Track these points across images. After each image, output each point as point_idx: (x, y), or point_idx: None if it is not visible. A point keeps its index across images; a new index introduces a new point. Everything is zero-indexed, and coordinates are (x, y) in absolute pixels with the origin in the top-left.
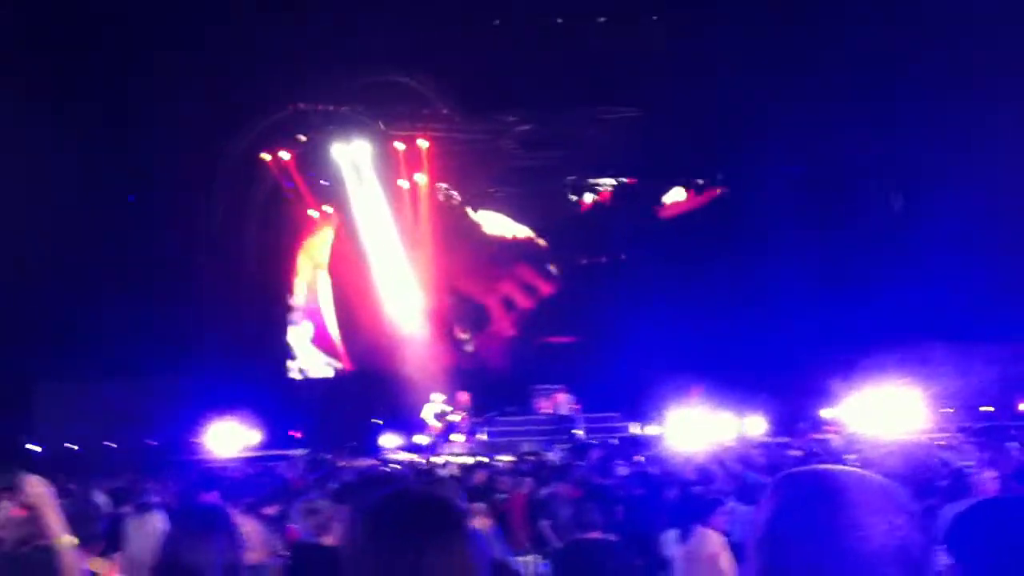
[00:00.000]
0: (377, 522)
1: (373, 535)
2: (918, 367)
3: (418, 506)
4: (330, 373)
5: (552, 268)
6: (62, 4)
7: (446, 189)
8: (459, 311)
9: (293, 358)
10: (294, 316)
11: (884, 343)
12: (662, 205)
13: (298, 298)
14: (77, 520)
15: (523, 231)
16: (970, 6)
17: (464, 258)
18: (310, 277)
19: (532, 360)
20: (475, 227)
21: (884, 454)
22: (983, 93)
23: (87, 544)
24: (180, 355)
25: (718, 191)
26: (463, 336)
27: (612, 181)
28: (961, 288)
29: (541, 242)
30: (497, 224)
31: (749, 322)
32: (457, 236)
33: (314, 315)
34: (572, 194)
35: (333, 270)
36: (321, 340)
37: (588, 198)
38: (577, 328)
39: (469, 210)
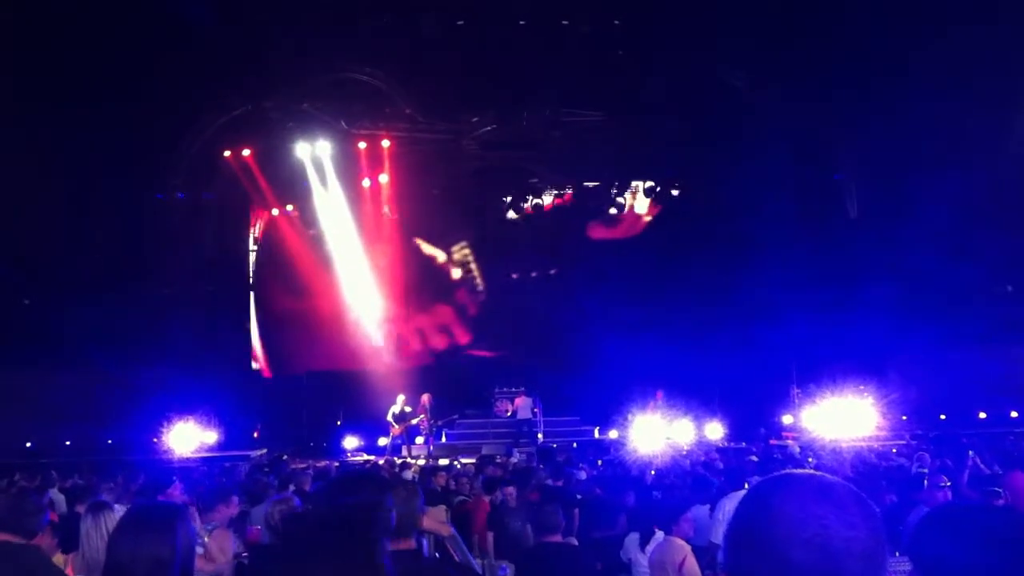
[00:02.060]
0: (288, 538)
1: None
2: (875, 375)
3: (325, 525)
4: (297, 341)
5: (479, 285)
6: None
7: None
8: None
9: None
10: (263, 281)
11: (842, 351)
12: (619, 215)
13: (266, 264)
14: (10, 515)
15: (465, 270)
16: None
17: (411, 284)
18: (279, 241)
19: (493, 363)
20: (424, 258)
21: (840, 459)
22: (959, 97)
23: (21, 538)
24: (138, 348)
25: (674, 192)
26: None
27: (573, 185)
28: (921, 295)
29: (479, 285)
30: (443, 257)
31: (710, 328)
32: (407, 263)
33: (283, 280)
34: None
35: (300, 238)
36: (288, 305)
37: (547, 199)
38: (536, 332)
39: (421, 243)
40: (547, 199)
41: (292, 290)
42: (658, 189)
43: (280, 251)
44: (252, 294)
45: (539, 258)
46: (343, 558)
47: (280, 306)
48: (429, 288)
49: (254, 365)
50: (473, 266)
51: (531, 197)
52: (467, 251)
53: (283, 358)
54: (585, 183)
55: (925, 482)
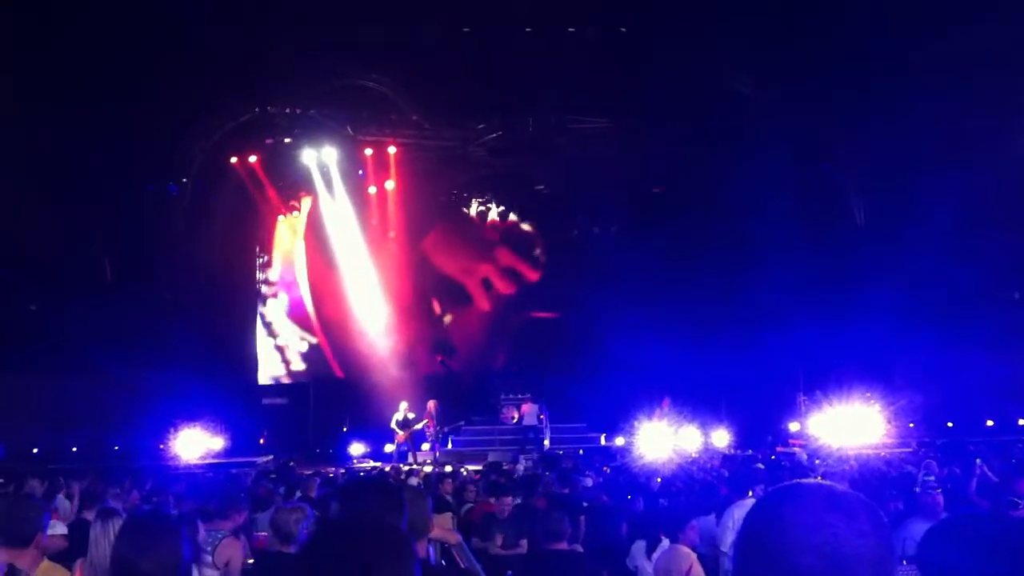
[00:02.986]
0: (323, 547)
1: (322, 560)
2: (882, 381)
3: (365, 532)
4: (304, 348)
5: (538, 253)
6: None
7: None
8: (438, 288)
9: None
10: (270, 289)
11: (849, 357)
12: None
13: (274, 271)
14: (3, 521)
15: (509, 216)
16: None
17: (446, 237)
18: (288, 247)
19: (499, 369)
20: (459, 212)
21: (847, 467)
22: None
23: (12, 545)
24: (145, 352)
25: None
26: (440, 312)
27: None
28: (928, 301)
29: (526, 227)
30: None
31: (716, 334)
32: (440, 219)
33: (290, 287)
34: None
35: (309, 244)
36: (296, 312)
37: None
38: (542, 339)
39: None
40: None
41: (299, 296)
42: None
43: (287, 256)
44: (259, 300)
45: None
46: (380, 568)
47: (288, 312)
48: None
49: (260, 372)
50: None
51: None
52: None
53: (291, 310)
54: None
55: (917, 489)
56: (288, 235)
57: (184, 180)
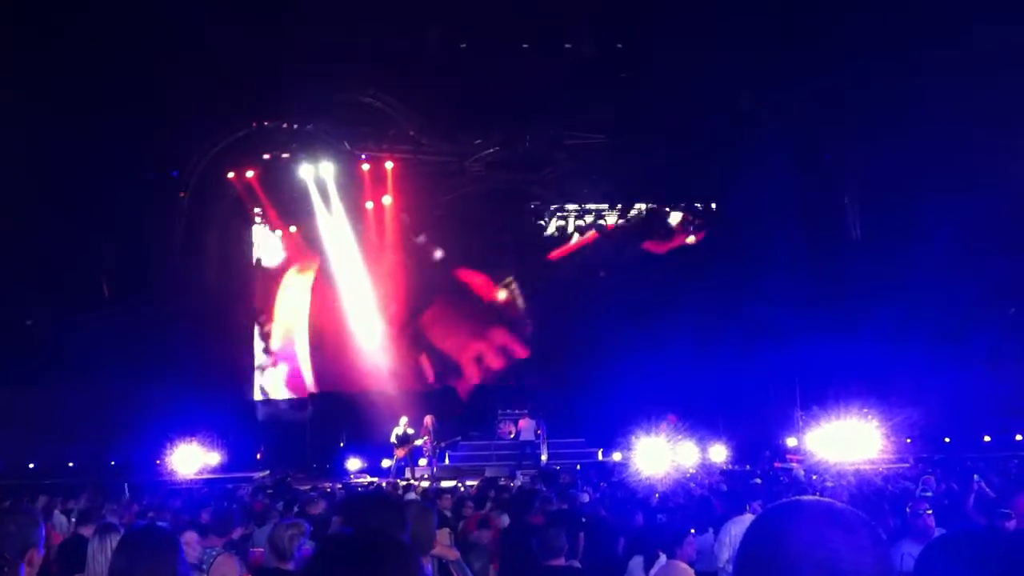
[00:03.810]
0: (330, 560)
1: (329, 573)
2: (879, 396)
3: (373, 545)
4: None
5: (530, 332)
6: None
7: (424, 242)
8: (432, 362)
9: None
10: (269, 359)
11: (846, 372)
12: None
13: (275, 342)
14: None
15: (503, 293)
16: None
17: (444, 312)
18: (288, 323)
19: (497, 386)
20: (459, 285)
21: (844, 482)
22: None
23: None
24: (142, 366)
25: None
26: (433, 382)
27: (576, 207)
28: (925, 316)
29: (520, 304)
30: (479, 284)
31: (713, 349)
32: (439, 291)
33: (290, 359)
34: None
35: (313, 314)
36: (294, 383)
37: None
38: (541, 349)
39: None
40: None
41: (296, 311)
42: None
43: (283, 272)
44: (256, 314)
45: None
46: None
47: (284, 327)
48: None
49: (256, 388)
50: (517, 296)
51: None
52: (511, 280)
53: (289, 379)
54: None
55: (908, 509)
56: (283, 250)
57: (182, 194)
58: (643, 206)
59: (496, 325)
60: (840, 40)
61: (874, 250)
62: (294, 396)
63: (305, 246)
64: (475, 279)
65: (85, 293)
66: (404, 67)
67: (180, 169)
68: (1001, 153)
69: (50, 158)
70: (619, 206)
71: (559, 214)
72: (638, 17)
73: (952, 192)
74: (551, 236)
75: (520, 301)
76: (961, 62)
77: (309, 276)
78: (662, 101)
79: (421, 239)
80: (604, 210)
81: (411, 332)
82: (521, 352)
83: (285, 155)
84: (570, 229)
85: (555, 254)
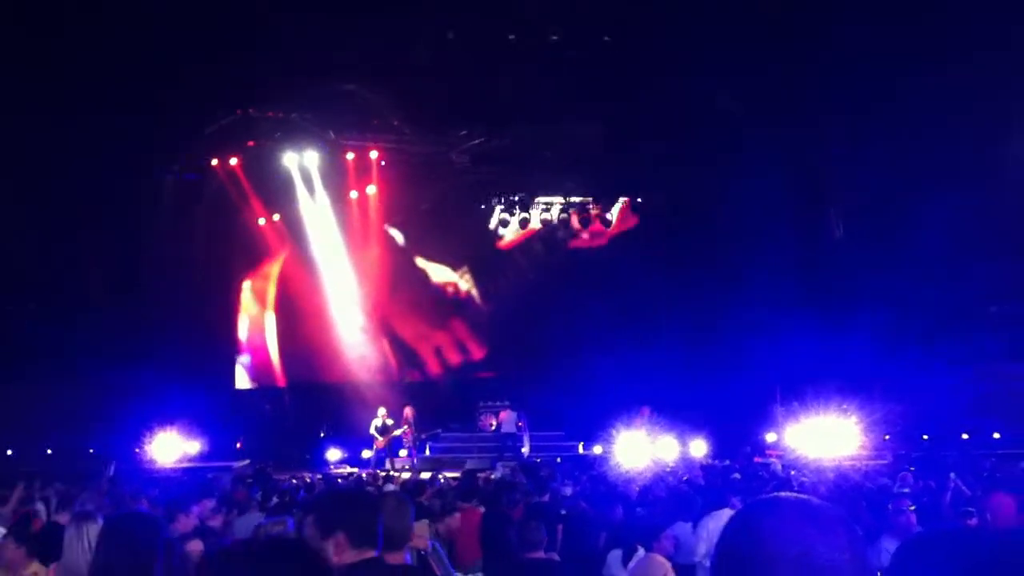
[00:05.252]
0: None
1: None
2: (859, 394)
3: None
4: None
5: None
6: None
7: (397, 231)
8: (393, 350)
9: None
10: (239, 349)
11: (827, 370)
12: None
13: (241, 332)
14: None
15: (465, 285)
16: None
17: (405, 300)
18: (254, 312)
19: (477, 377)
20: (420, 273)
21: (822, 478)
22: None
23: None
24: (121, 355)
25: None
26: (399, 377)
27: (561, 199)
28: (906, 315)
29: (479, 302)
30: (441, 274)
31: (695, 345)
32: (402, 279)
33: (257, 351)
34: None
35: (279, 303)
36: (260, 374)
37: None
38: (521, 347)
39: (418, 259)
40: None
41: (279, 300)
42: (639, 200)
43: (267, 262)
44: (238, 303)
45: (526, 272)
46: None
47: (267, 316)
48: (423, 303)
49: (238, 377)
50: (472, 285)
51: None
52: (466, 270)
53: (268, 369)
54: (572, 197)
55: (890, 506)
56: (266, 240)
57: (167, 177)
58: (625, 199)
59: (456, 317)
60: (826, 42)
61: (856, 249)
62: (257, 385)
63: (286, 234)
64: (437, 271)
65: (64, 283)
66: (390, 57)
67: (163, 156)
68: (985, 155)
69: (24, 150)
70: (600, 203)
71: (543, 205)
72: (626, 12)
73: (935, 193)
74: (543, 229)
75: (476, 292)
76: (946, 64)
77: (276, 266)
78: (649, 96)
79: (393, 230)
80: (589, 203)
81: (378, 321)
82: (477, 352)
83: (269, 143)
84: (554, 220)
85: (507, 244)
